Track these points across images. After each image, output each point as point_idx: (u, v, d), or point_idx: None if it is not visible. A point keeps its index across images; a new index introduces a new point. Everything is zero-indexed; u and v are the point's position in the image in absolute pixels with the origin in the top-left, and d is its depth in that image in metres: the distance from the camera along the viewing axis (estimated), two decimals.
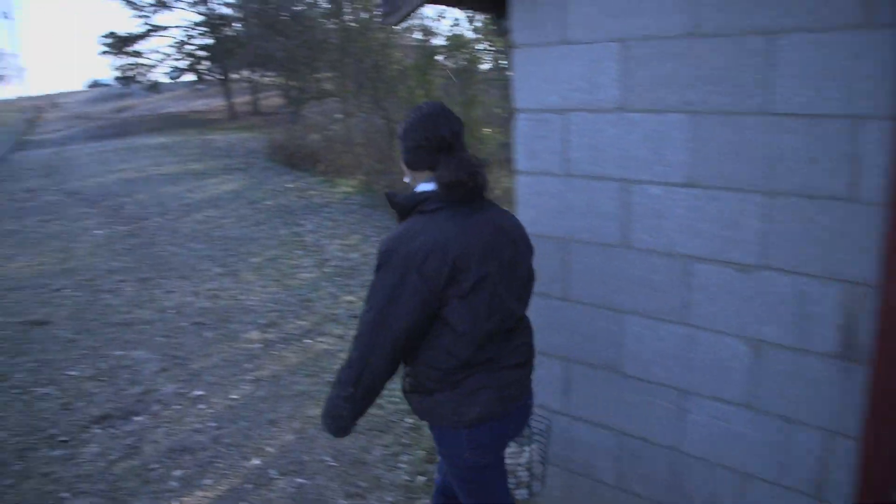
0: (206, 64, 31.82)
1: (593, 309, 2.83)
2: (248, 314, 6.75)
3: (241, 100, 34.19)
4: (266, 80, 36.61)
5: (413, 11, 3.08)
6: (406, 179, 2.15)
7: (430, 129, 2.00)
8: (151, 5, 29.45)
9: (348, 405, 1.97)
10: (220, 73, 31.79)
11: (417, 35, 20.12)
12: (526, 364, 2.15)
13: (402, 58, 20.16)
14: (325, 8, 17.90)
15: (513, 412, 2.11)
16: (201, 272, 8.14)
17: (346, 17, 17.60)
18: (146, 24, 29.61)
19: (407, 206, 2.01)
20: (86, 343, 5.95)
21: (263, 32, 18.51)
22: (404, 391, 2.16)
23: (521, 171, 3.00)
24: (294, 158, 17.39)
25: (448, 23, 21.20)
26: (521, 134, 2.96)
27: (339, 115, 18.35)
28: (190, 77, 44.72)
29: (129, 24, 38.17)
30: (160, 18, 29.89)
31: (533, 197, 2.96)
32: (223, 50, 29.68)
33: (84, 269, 8.29)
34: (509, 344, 2.06)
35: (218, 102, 37.62)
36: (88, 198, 13.42)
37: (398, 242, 1.92)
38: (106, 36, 29.43)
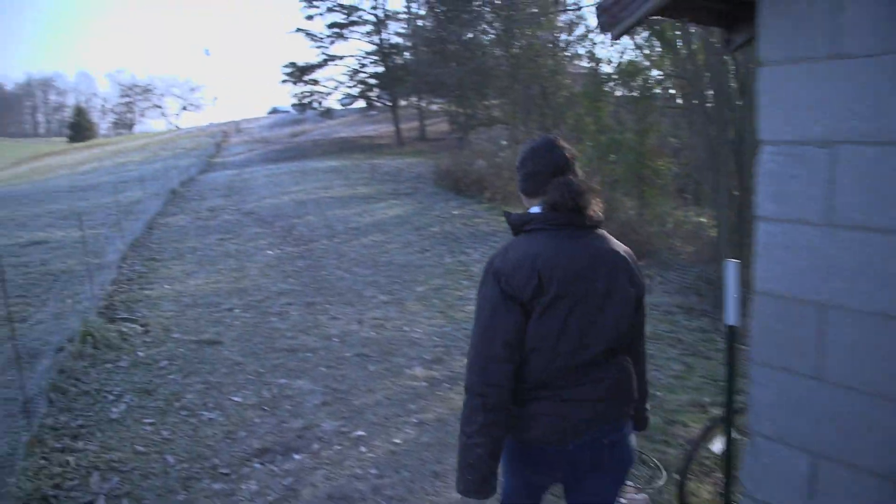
0: (376, 91, 32.89)
1: (859, 395, 2.09)
2: (412, 347, 6.40)
3: (409, 126, 35.04)
4: (433, 106, 37.49)
5: (637, 25, 2.53)
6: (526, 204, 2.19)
7: (544, 159, 2.09)
8: (329, 36, 30.93)
9: (483, 440, 1.92)
10: (389, 100, 32.70)
11: (586, 62, 19.64)
12: (605, 400, 2.04)
13: (570, 84, 19.70)
14: (495, 35, 17.77)
15: (581, 446, 2.03)
16: (366, 299, 7.94)
17: (516, 44, 17.37)
18: (323, 53, 31.13)
19: (515, 225, 2.08)
20: (251, 367, 5.83)
21: (434, 59, 18.64)
22: None
23: (764, 218, 2.31)
24: (461, 184, 17.25)
25: (619, 49, 20.41)
26: (768, 172, 2.27)
27: (505, 142, 18.07)
28: (360, 104, 46.91)
29: (307, 54, 40.55)
30: (336, 48, 31.22)
31: (779, 249, 2.27)
32: (393, 78, 30.54)
33: (255, 289, 8.37)
34: (585, 377, 2.01)
35: (386, 128, 38.85)
36: (263, 218, 13.91)
37: (495, 258, 2.00)
38: (286, 66, 31.26)
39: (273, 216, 14.09)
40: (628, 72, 16.87)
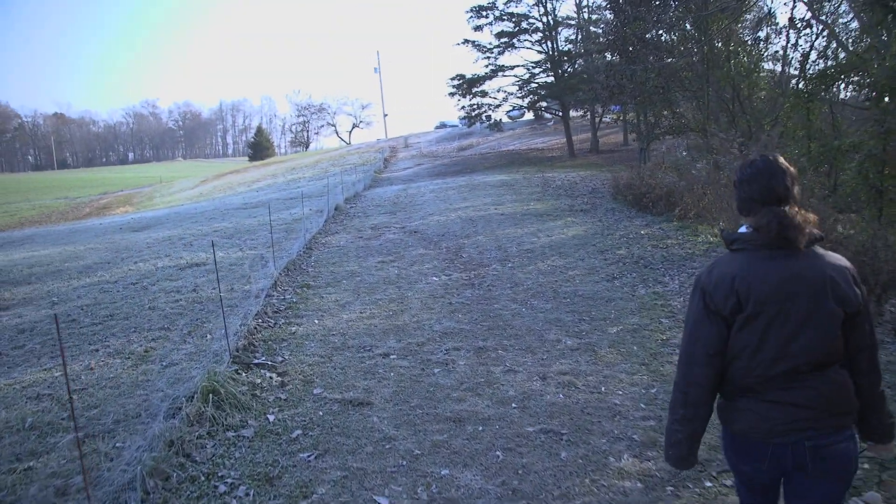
0: (546, 101, 31.35)
1: None
2: (614, 420, 4.71)
3: (580, 137, 33.20)
4: (607, 117, 35.38)
5: None
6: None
7: (764, 185, 2.17)
8: (497, 47, 29.82)
9: (682, 427, 2.25)
10: (560, 111, 31.03)
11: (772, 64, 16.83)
12: (808, 408, 2.15)
13: (768, 85, 17.05)
14: (681, 32, 15.57)
15: (777, 445, 2.17)
16: (549, 344, 6.34)
17: (708, 41, 15.09)
18: (491, 64, 30.06)
19: (726, 241, 2.23)
20: (405, 445, 4.40)
21: (614, 63, 16.77)
22: None
23: None
24: (644, 200, 15.24)
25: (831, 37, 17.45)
26: None
27: (685, 152, 15.81)
28: (528, 116, 45.58)
29: (475, 66, 39.77)
30: (504, 59, 30.11)
31: None
32: (564, 87, 28.85)
33: (415, 327, 7.03)
34: (788, 384, 2.15)
35: (556, 140, 37.25)
36: (428, 237, 12.74)
37: (703, 274, 2.24)
38: (453, 78, 30.47)
39: (439, 236, 12.88)
40: (851, 66, 14.15)
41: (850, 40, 14.63)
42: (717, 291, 2.14)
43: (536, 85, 30.54)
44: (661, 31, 15.86)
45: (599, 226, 13.36)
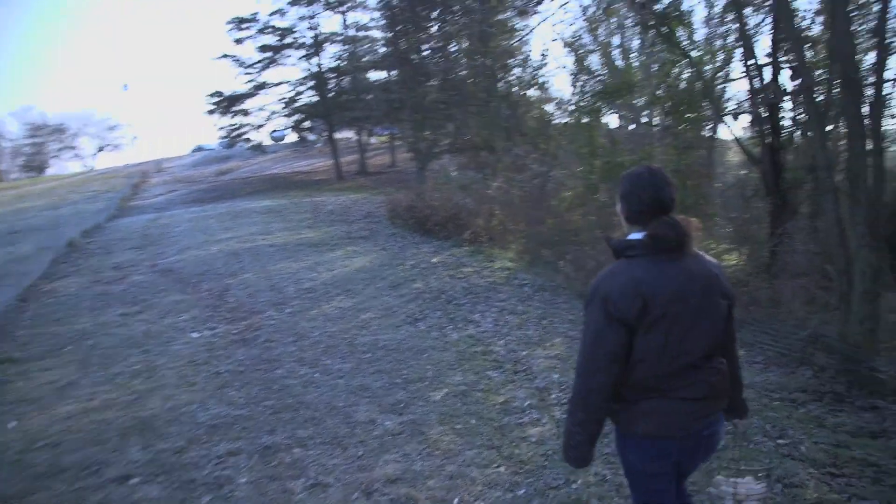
0: (313, 122, 29.69)
1: None
2: None
3: (346, 160, 31.98)
4: (374, 138, 34.53)
5: None
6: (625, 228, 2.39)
7: (654, 196, 2.27)
8: (259, 62, 27.66)
9: (583, 430, 2.29)
10: (327, 131, 29.54)
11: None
12: (703, 399, 2.30)
13: (540, 105, 17.05)
14: (463, 47, 14.87)
15: (681, 439, 2.30)
16: (362, 428, 4.74)
17: (486, 56, 14.55)
18: (253, 81, 27.78)
19: (617, 249, 2.29)
20: None
21: (390, 80, 15.66)
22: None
23: None
24: (428, 224, 14.21)
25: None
26: None
27: (455, 171, 15.15)
28: (293, 138, 43.52)
29: (236, 83, 37.13)
30: (268, 75, 27.87)
31: None
32: (332, 105, 27.45)
33: (170, 419, 5.02)
34: (686, 379, 2.26)
35: (322, 163, 35.66)
36: (185, 278, 10.49)
37: (601, 281, 2.25)
38: (212, 95, 27.70)
39: (198, 275, 10.68)
40: (619, 89, 14.35)
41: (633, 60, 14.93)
42: (621, 298, 2.17)
43: (302, 104, 28.71)
44: (440, 44, 15.02)
45: (385, 255, 12.01)
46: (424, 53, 15.65)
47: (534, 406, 5.20)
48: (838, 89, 6.86)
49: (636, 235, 2.26)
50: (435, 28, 14.78)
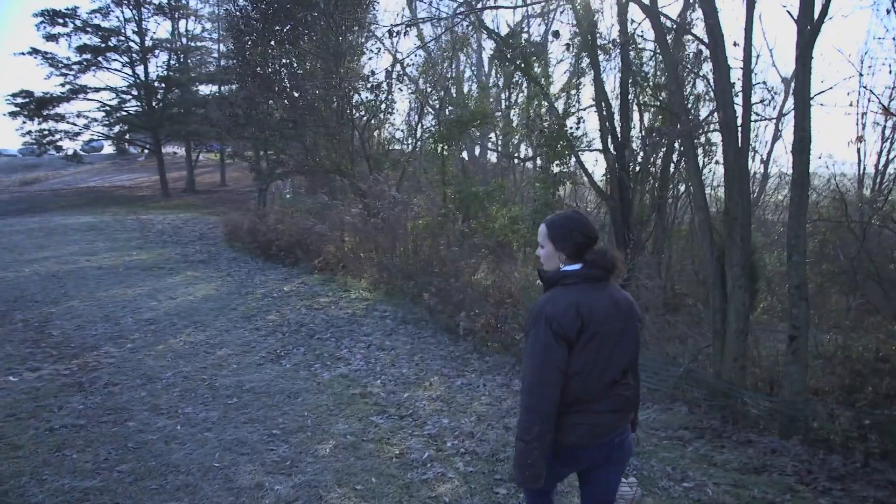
0: (137, 133, 27.39)
1: None
2: None
3: (174, 175, 29.92)
4: (203, 155, 32.61)
5: None
6: (542, 257, 2.70)
7: (589, 231, 2.61)
8: (77, 63, 25.11)
9: (540, 444, 2.44)
10: (153, 145, 27.38)
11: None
12: (618, 412, 2.60)
13: (382, 135, 16.70)
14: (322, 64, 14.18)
15: (595, 447, 2.59)
16: (248, 495, 3.98)
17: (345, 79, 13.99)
18: (70, 84, 25.11)
19: (552, 280, 2.59)
20: None
21: (234, 94, 14.63)
22: None
23: None
24: (272, 249, 13.34)
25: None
26: None
27: (291, 191, 14.48)
28: (110, 149, 40.01)
29: (48, 84, 33.39)
30: (88, 79, 25.12)
31: None
32: (161, 118, 25.48)
33: None
34: (606, 393, 2.55)
35: (145, 177, 33.16)
36: None
37: (546, 305, 2.48)
38: (17, 95, 24.67)
39: (9, 301, 9.13)
40: (474, 118, 14.38)
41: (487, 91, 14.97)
42: (564, 318, 2.42)
43: (126, 113, 26.37)
44: (289, 60, 14.22)
45: (231, 282, 11.03)
46: (271, 69, 14.76)
47: (434, 458, 4.72)
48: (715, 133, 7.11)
49: (572, 267, 2.57)
50: (286, 43, 13.94)
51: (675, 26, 8.16)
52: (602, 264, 2.54)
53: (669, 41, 7.80)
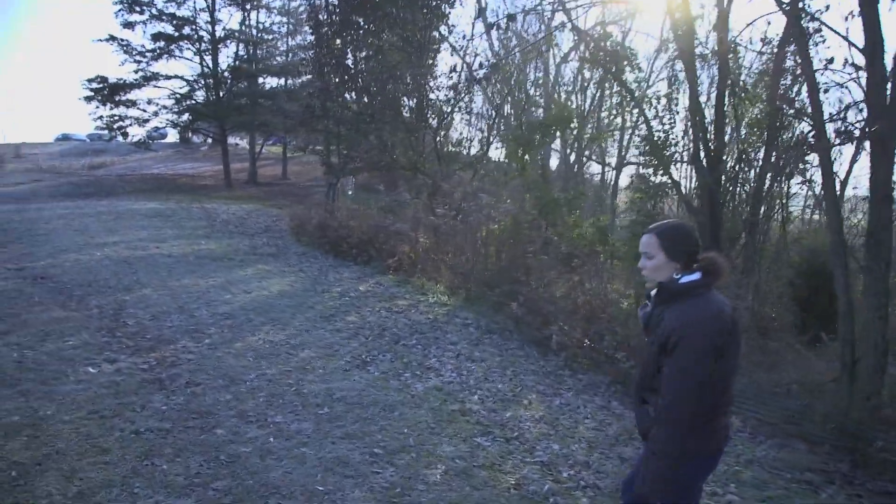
0: (205, 122, 27.43)
1: None
2: None
3: (236, 167, 29.90)
4: (270, 147, 32.61)
5: None
6: (649, 268, 2.59)
7: (698, 240, 2.58)
8: (151, 51, 25.24)
9: (695, 459, 2.49)
10: (218, 135, 27.38)
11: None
12: (730, 415, 2.70)
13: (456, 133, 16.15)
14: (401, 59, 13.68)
15: (722, 450, 2.64)
16: None
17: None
18: (143, 70, 25.24)
19: (681, 291, 2.49)
20: None
21: (313, 86, 14.24)
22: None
23: None
24: (343, 245, 12.90)
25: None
26: None
27: (401, 196, 13.99)
28: (173, 137, 40.44)
29: (121, 70, 33.73)
30: (160, 66, 25.33)
31: None
32: (228, 108, 25.43)
33: None
34: (729, 393, 2.59)
35: (207, 167, 33.26)
36: (66, 288, 8.61)
37: (694, 318, 2.41)
38: (92, 80, 24.91)
39: (83, 286, 8.82)
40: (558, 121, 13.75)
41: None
42: (718, 330, 2.40)
43: (194, 102, 26.42)
44: (370, 53, 13.77)
45: (304, 278, 10.59)
46: (350, 60, 14.35)
47: (555, 492, 4.15)
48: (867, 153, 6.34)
49: (691, 276, 2.51)
50: (368, 36, 13.50)
51: (818, 27, 7.37)
52: (717, 272, 2.51)
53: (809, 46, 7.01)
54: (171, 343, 6.56)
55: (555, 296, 9.19)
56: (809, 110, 7.50)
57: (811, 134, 7.19)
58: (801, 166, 13.05)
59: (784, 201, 13.27)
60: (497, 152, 15.49)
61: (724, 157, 12.25)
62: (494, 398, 6.08)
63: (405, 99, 13.13)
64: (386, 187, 16.26)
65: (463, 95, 13.17)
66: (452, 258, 11.20)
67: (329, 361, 6.48)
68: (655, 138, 9.57)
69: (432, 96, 13.29)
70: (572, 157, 18.07)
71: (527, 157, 13.53)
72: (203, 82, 26.55)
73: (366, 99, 13.42)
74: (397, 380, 6.19)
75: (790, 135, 11.37)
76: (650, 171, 10.26)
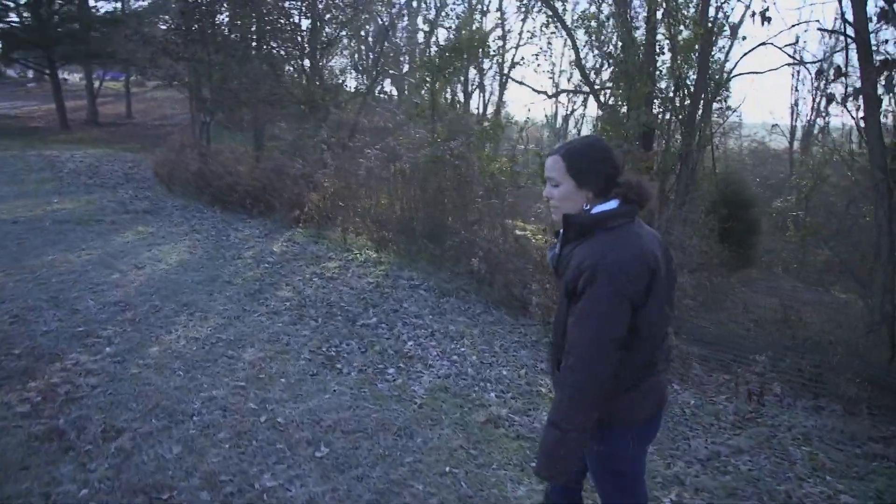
0: (28, 52, 23.33)
1: None
2: None
3: (71, 105, 26.05)
4: (107, 79, 28.75)
5: None
6: (556, 197, 2.11)
7: (617, 160, 2.09)
8: None
9: (580, 434, 1.95)
10: (47, 67, 23.47)
11: None
12: (668, 370, 2.20)
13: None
14: None
15: (660, 415, 2.20)
16: None
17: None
18: None
19: (590, 224, 2.01)
20: None
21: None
22: None
23: None
24: (232, 196, 10.89)
25: None
26: None
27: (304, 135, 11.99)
28: None
29: None
30: None
31: None
32: (55, 35, 21.65)
33: None
34: (662, 351, 2.12)
35: (34, 106, 28.93)
36: None
37: (607, 257, 1.93)
38: None
39: None
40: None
41: None
42: (632, 270, 1.93)
43: (9, 24, 22.12)
44: None
45: (202, 240, 8.64)
46: None
47: None
48: None
49: (606, 206, 2.04)
50: None
51: None
52: (640, 198, 2.04)
53: None
54: (56, 359, 4.61)
55: (516, 246, 7.90)
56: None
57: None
58: (721, 93, 12.46)
59: (711, 131, 12.75)
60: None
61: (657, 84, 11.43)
62: (510, 391, 4.84)
63: (297, 16, 11.01)
64: (254, 125, 14.02)
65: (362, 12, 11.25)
66: (368, 205, 9.59)
67: (286, 363, 4.84)
68: (628, 64, 8.39)
69: (328, 16, 11.25)
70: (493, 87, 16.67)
71: (437, 86, 12.00)
72: (19, 1, 22.28)
73: (254, 17, 11.12)
74: (384, 382, 4.71)
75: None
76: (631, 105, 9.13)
